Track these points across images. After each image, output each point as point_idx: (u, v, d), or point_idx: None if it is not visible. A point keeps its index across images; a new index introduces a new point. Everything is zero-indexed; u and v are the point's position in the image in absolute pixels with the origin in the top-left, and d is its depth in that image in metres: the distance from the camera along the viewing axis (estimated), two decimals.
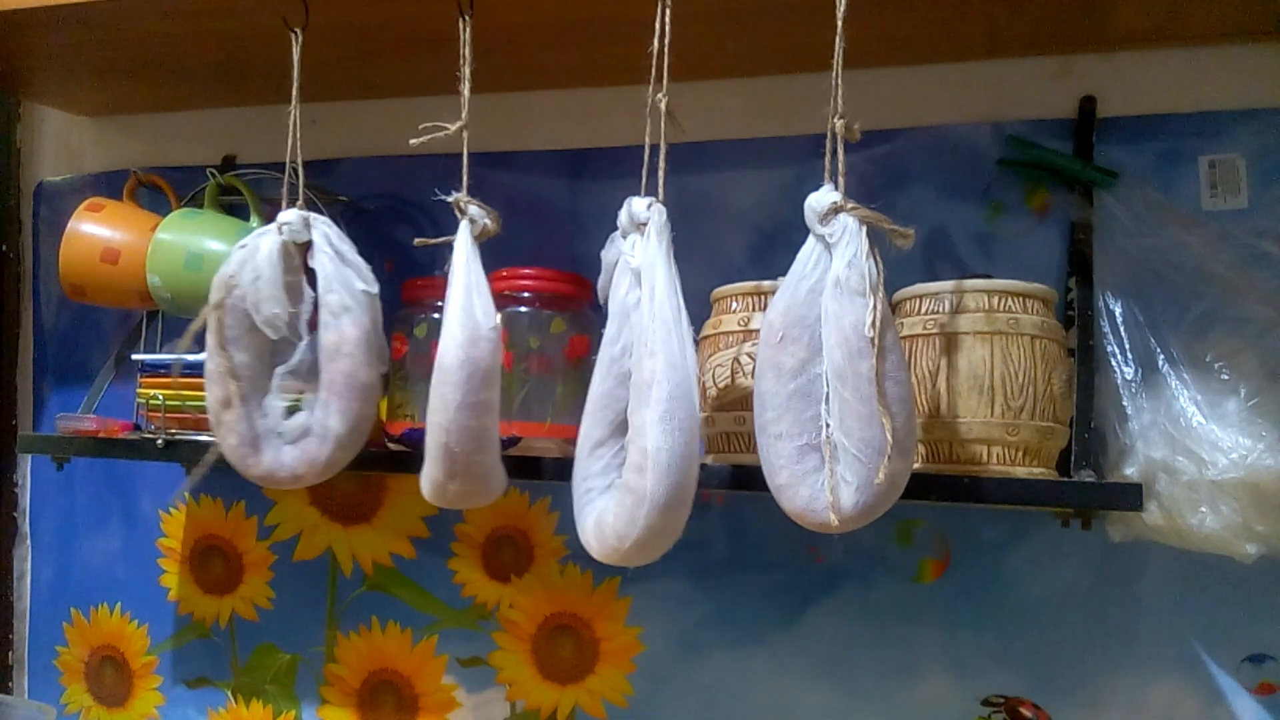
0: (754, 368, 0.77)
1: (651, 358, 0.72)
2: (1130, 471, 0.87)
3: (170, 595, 1.30)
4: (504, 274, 1.01)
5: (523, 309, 1.00)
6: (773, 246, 1.08)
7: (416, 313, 1.03)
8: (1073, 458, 0.86)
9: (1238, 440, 0.83)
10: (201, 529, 1.29)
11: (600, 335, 1.04)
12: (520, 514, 1.16)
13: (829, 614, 1.05)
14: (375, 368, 0.90)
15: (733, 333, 0.89)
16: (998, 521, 1.00)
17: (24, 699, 1.37)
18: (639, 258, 0.75)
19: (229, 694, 1.27)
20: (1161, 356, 0.89)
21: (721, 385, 0.87)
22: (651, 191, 0.78)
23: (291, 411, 0.91)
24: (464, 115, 0.84)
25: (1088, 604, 0.97)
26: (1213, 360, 0.87)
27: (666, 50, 0.77)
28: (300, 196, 0.92)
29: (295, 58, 0.92)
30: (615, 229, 0.80)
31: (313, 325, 0.90)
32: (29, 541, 1.38)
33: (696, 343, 0.86)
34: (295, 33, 0.92)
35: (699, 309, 0.82)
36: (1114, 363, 0.90)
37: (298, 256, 0.91)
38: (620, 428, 0.77)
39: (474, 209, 0.84)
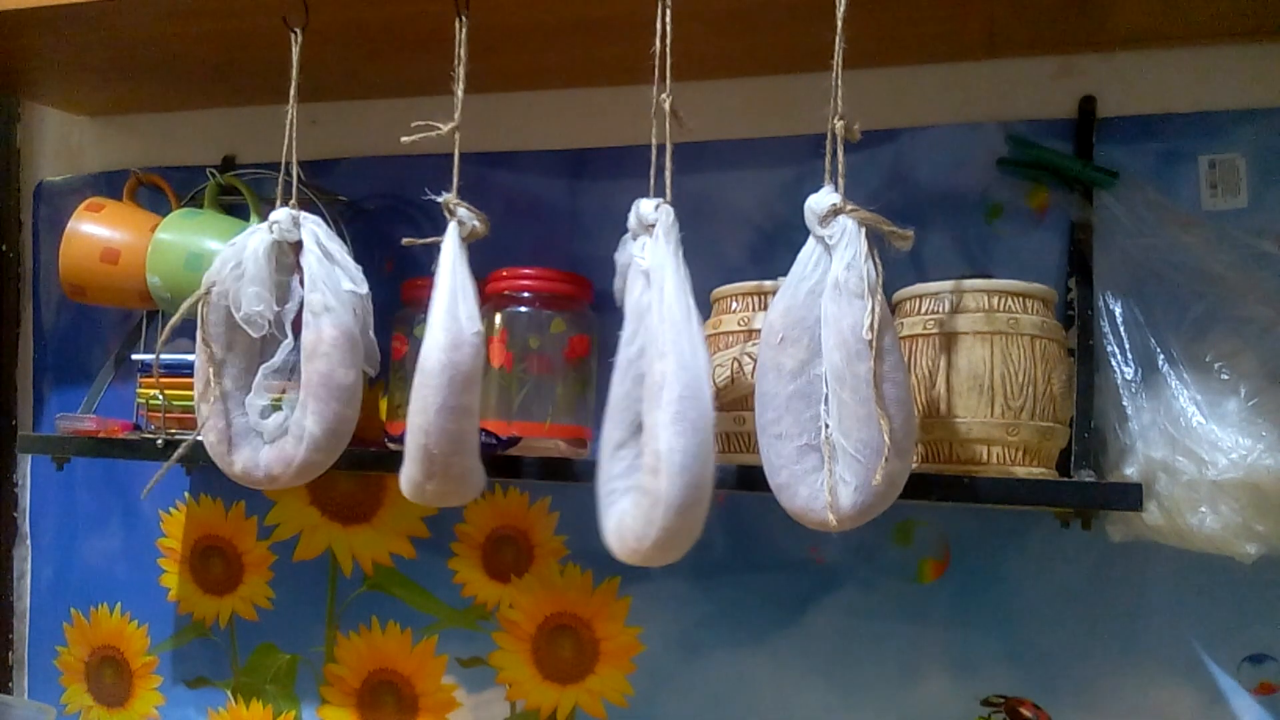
0: (754, 368, 0.77)
1: (662, 359, 0.72)
2: (1130, 471, 0.87)
3: (170, 595, 1.30)
4: (504, 274, 1.01)
5: (523, 309, 1.00)
6: (773, 246, 1.08)
7: (416, 313, 1.03)
8: (1073, 458, 0.86)
9: (1238, 440, 0.83)
10: (201, 529, 1.29)
11: (600, 335, 1.05)
12: (520, 514, 1.16)
13: (829, 614, 1.05)
14: (356, 369, 0.88)
15: (733, 333, 0.89)
16: (998, 521, 1.00)
17: (24, 699, 1.37)
18: (648, 260, 0.76)
19: (229, 694, 1.27)
20: (1161, 356, 0.89)
21: (721, 385, 0.87)
22: (658, 192, 0.78)
23: (272, 410, 0.91)
24: (456, 116, 0.84)
25: (1088, 604, 0.97)
26: (1213, 360, 0.87)
27: (669, 50, 0.77)
28: (294, 196, 0.92)
29: (295, 58, 0.92)
30: (615, 229, 0.81)
31: (298, 325, 0.90)
32: (29, 541, 1.38)
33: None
34: (295, 33, 0.92)
35: (699, 309, 0.82)
36: (1114, 363, 0.90)
37: (291, 255, 0.91)
38: (640, 429, 0.77)
39: (463, 211, 0.84)
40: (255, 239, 0.90)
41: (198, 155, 1.30)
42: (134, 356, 1.14)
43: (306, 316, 0.88)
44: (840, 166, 0.72)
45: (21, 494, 1.39)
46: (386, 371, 1.06)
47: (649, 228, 0.77)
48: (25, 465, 1.39)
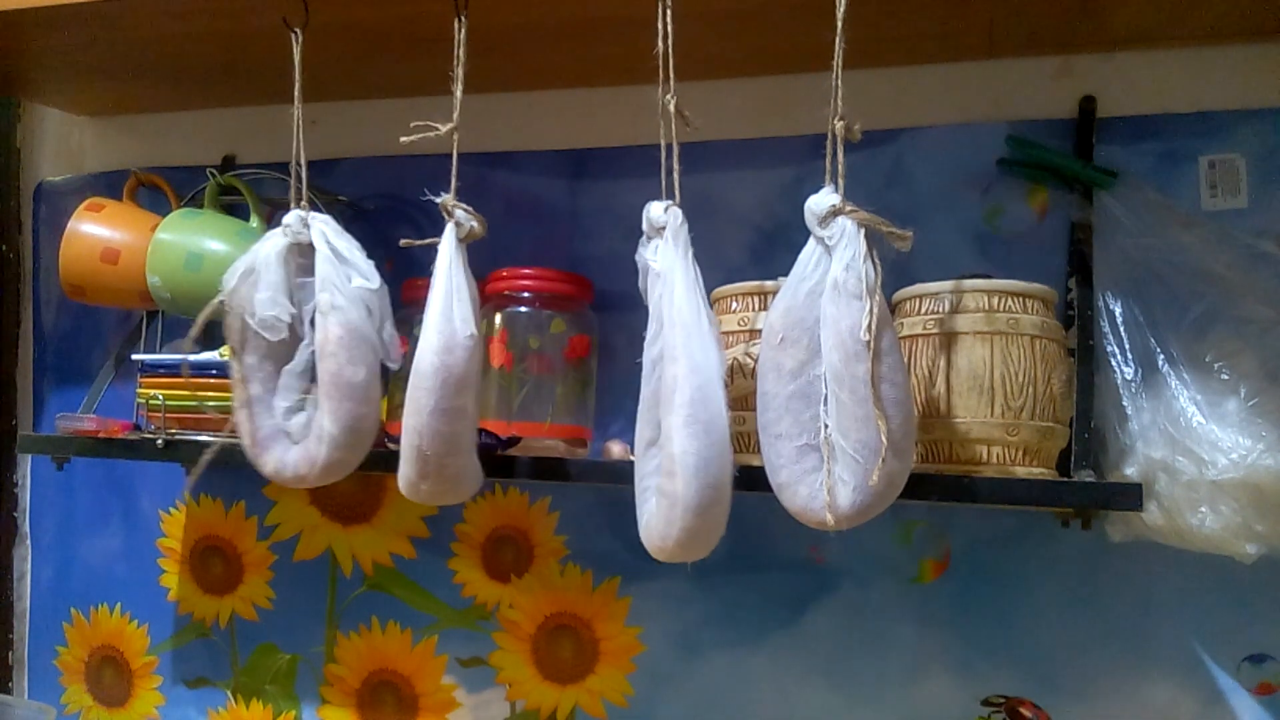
0: (754, 368, 0.78)
1: (674, 363, 0.72)
2: (1130, 471, 0.87)
3: (170, 595, 1.30)
4: (504, 274, 1.01)
5: (523, 309, 1.00)
6: (773, 246, 1.08)
7: (416, 313, 1.03)
8: (1073, 458, 0.86)
9: (1238, 440, 0.83)
10: (201, 529, 1.29)
11: (600, 335, 1.05)
12: (520, 514, 1.16)
13: (829, 614, 1.05)
14: (365, 366, 0.88)
15: (733, 333, 0.89)
16: (998, 521, 1.00)
17: (24, 699, 1.37)
18: (659, 262, 0.76)
19: (229, 694, 1.27)
20: (1161, 356, 0.89)
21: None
22: (667, 194, 0.78)
23: (296, 411, 0.92)
24: (455, 116, 0.84)
25: (1087, 604, 0.97)
26: (1213, 360, 0.87)
27: (670, 50, 0.77)
28: (303, 196, 0.92)
29: (296, 58, 0.92)
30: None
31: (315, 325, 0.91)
32: (29, 541, 1.38)
33: None
34: (295, 33, 0.92)
35: None
36: (1114, 363, 0.90)
37: (308, 257, 0.91)
38: None
39: (460, 212, 0.84)
40: (269, 244, 0.90)
41: (198, 155, 1.30)
42: (134, 356, 1.14)
43: (317, 317, 0.89)
44: (840, 167, 0.72)
45: (21, 494, 1.39)
46: (386, 371, 1.06)
47: (660, 230, 0.77)
48: (25, 465, 1.39)
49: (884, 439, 0.68)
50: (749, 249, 1.09)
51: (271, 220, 1.14)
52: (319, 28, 0.93)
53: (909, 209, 1.03)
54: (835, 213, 0.71)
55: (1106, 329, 0.91)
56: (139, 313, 1.23)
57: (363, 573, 1.22)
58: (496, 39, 0.99)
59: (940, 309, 0.83)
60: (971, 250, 1.02)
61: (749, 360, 0.84)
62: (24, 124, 1.42)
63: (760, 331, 0.80)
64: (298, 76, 0.92)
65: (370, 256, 0.91)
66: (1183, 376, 0.87)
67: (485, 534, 1.18)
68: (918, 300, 0.85)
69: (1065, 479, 0.83)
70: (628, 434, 0.87)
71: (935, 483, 0.79)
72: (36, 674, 1.38)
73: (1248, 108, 0.96)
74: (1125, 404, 0.89)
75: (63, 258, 1.09)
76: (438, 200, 0.84)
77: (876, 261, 0.70)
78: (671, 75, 0.77)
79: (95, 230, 1.09)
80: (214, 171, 1.14)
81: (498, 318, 0.99)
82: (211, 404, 1.02)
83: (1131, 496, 0.77)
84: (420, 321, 1.02)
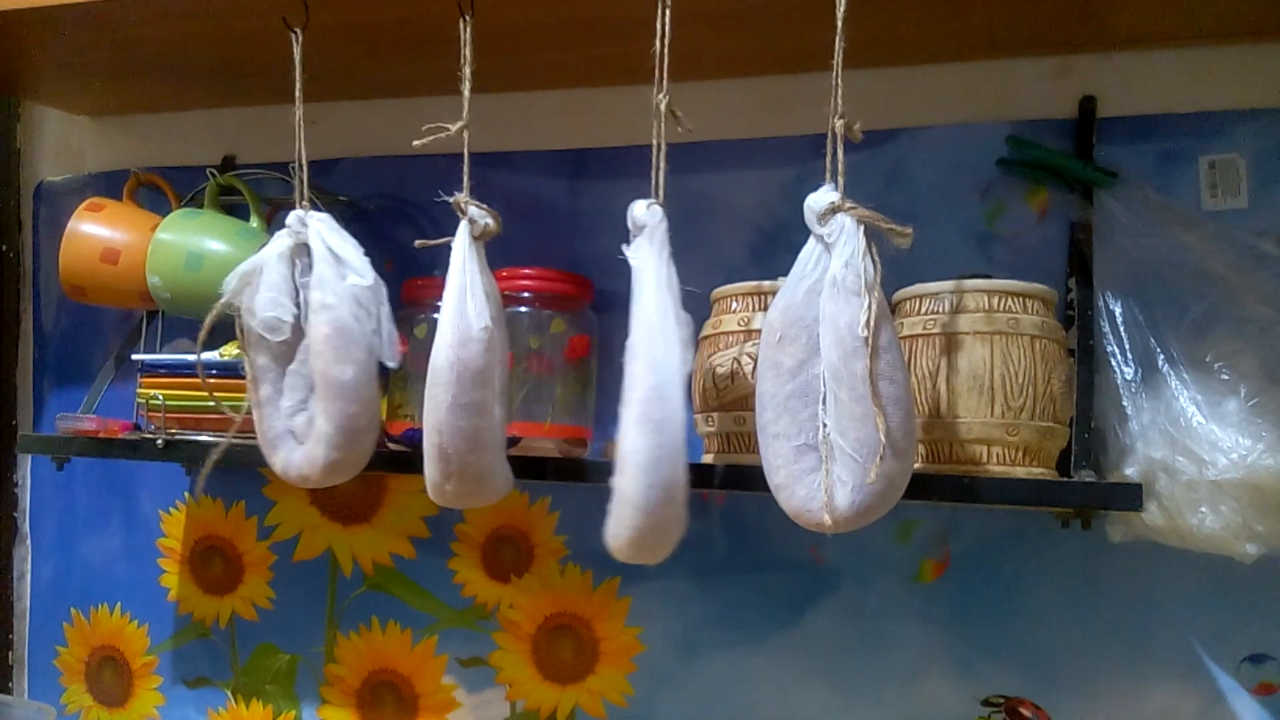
0: (754, 368, 0.77)
1: (634, 360, 0.72)
2: (1130, 471, 0.87)
3: (170, 595, 1.30)
4: (504, 274, 1.01)
5: (523, 309, 1.00)
6: (773, 246, 1.08)
7: (416, 313, 1.03)
8: (1073, 458, 0.86)
9: (1238, 440, 0.83)
10: (201, 529, 1.29)
11: (600, 335, 1.05)
12: (520, 514, 1.16)
13: (829, 614, 1.05)
14: (354, 364, 0.86)
15: (733, 333, 0.89)
16: (998, 521, 1.00)
17: (24, 699, 1.37)
18: (635, 260, 0.75)
19: (229, 694, 1.27)
20: (1161, 356, 0.89)
21: (721, 385, 0.87)
22: (654, 192, 0.78)
23: (299, 410, 0.92)
24: (465, 115, 0.84)
25: (1088, 604, 0.97)
26: (1213, 360, 0.87)
27: (667, 50, 0.77)
28: (304, 196, 0.92)
29: (296, 58, 0.92)
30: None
31: None
32: (29, 541, 1.38)
33: (697, 341, 0.86)
34: (295, 33, 0.92)
35: (700, 309, 0.82)
36: (1114, 363, 0.90)
37: (312, 257, 0.91)
38: None
39: (474, 209, 0.83)
40: (272, 246, 0.90)
41: (198, 155, 1.30)
42: (134, 356, 1.14)
43: (310, 315, 0.88)
44: (840, 166, 0.72)
45: (21, 494, 1.39)
46: (386, 371, 1.06)
47: (642, 228, 0.76)
48: (25, 465, 1.39)
49: (883, 437, 0.68)
50: (749, 249, 1.09)
51: (272, 220, 1.15)
52: (319, 28, 0.93)
53: (909, 209, 1.03)
54: (834, 210, 0.71)
55: (1106, 329, 0.91)
56: (139, 313, 1.23)
57: (363, 573, 1.22)
58: (497, 39, 0.99)
59: (940, 309, 0.83)
60: (971, 250, 1.02)
61: (748, 360, 0.84)
62: (24, 124, 1.42)
63: (760, 332, 0.80)
64: (298, 76, 0.91)
65: (370, 257, 0.91)
66: (1183, 376, 0.87)
67: (485, 534, 1.18)
68: (918, 300, 0.85)
69: (1065, 479, 0.83)
70: None
71: (935, 483, 0.79)
72: (36, 674, 1.38)
73: (1248, 108, 0.96)
74: (1125, 404, 0.88)
75: (63, 258, 1.09)
76: (450, 199, 0.84)
77: (875, 258, 0.70)
78: (666, 75, 0.77)
79: (95, 230, 1.09)
80: (214, 171, 1.14)
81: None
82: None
83: (1131, 496, 0.77)
84: (420, 321, 1.02)
